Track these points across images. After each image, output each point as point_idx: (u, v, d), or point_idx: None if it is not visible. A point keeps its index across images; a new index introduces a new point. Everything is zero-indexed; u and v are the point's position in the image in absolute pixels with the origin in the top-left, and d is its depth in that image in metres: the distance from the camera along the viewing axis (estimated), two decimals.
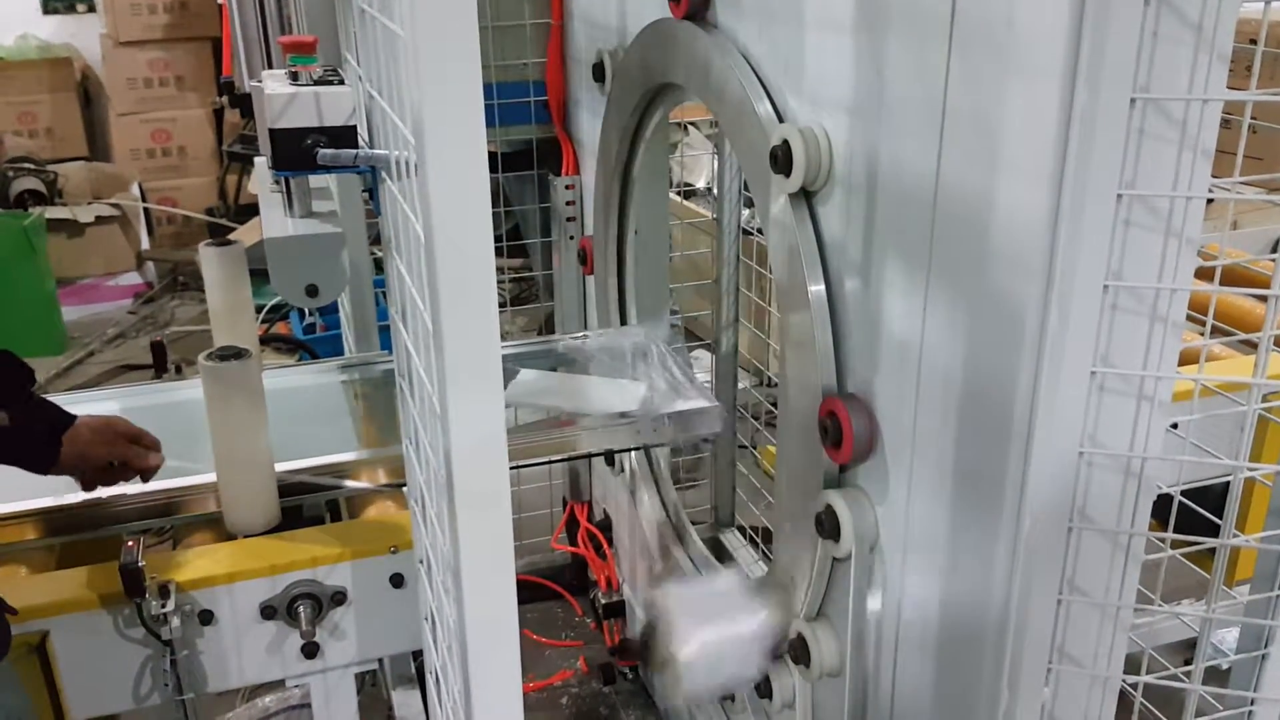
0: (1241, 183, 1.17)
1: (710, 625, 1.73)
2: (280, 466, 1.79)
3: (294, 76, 1.44)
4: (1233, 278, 2.18)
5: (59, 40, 6.47)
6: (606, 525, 2.92)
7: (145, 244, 5.91)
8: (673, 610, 1.76)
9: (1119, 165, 1.05)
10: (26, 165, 5.47)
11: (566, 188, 2.77)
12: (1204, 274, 1.15)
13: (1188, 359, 1.23)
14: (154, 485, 1.77)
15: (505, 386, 2.09)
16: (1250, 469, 1.15)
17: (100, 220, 5.56)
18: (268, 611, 1.65)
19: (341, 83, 1.43)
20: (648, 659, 1.81)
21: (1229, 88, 1.04)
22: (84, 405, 1.92)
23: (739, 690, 1.96)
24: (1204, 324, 1.37)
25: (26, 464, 1.63)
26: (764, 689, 1.80)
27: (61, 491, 1.74)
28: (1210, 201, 1.15)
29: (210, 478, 1.74)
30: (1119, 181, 1.05)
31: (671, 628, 1.73)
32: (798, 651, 1.65)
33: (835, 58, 1.42)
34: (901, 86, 1.29)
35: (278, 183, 1.95)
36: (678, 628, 1.73)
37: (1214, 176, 1.10)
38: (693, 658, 1.71)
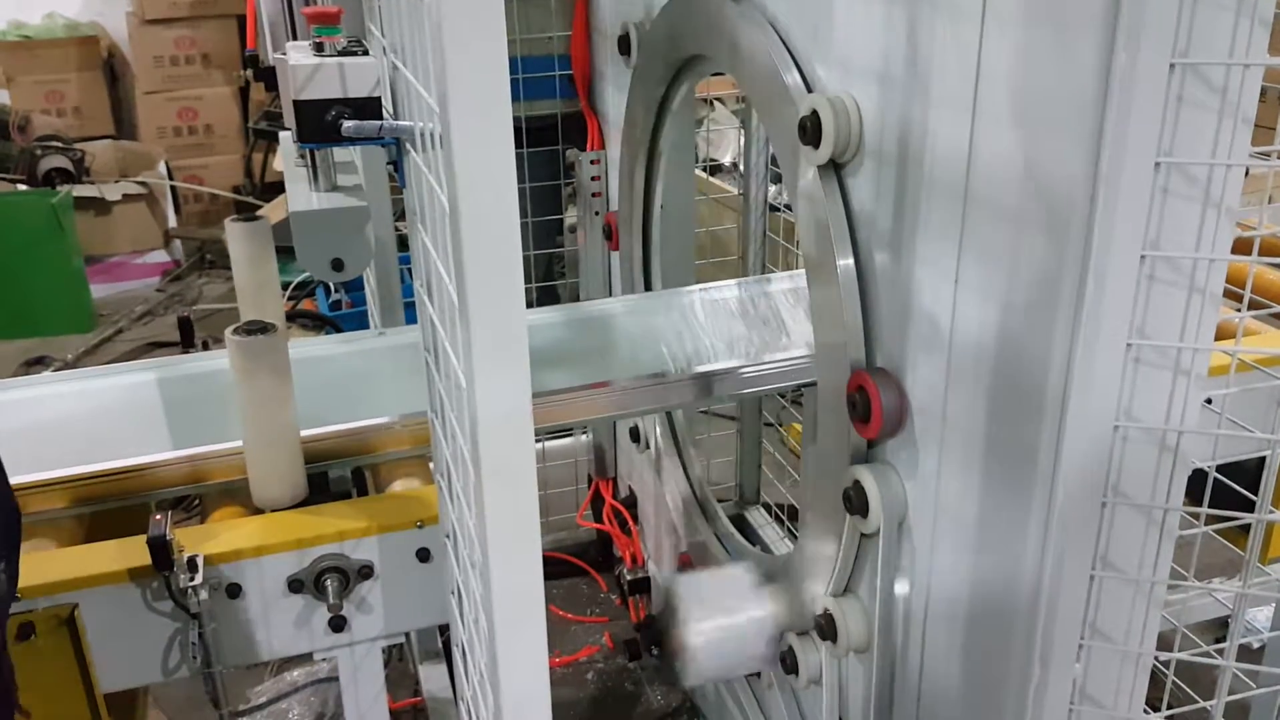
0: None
1: (718, 616, 1.82)
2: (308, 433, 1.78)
3: (318, 48, 1.42)
4: (1268, 251, 2.14)
5: (85, 18, 6.50)
6: (631, 502, 2.92)
7: (172, 222, 5.94)
8: (683, 598, 1.84)
9: (1157, 132, 1.03)
10: (54, 143, 5.50)
11: (592, 163, 2.75)
12: (1241, 246, 1.13)
13: (1221, 333, 1.21)
14: (183, 452, 1.77)
15: None
16: None
17: (127, 198, 5.59)
18: (295, 585, 1.66)
19: (366, 54, 1.42)
20: (661, 644, 1.90)
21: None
22: (114, 378, 1.93)
23: (747, 673, 2.05)
24: (1237, 297, 1.34)
25: None
26: (790, 665, 1.80)
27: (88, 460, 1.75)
28: (1247, 174, 1.13)
29: (236, 446, 1.74)
30: (1157, 149, 1.03)
31: (682, 615, 1.81)
32: (825, 628, 1.64)
33: (865, 24, 1.40)
34: (934, 52, 1.27)
35: (303, 156, 1.95)
36: (688, 616, 1.81)
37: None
38: (700, 646, 1.80)
